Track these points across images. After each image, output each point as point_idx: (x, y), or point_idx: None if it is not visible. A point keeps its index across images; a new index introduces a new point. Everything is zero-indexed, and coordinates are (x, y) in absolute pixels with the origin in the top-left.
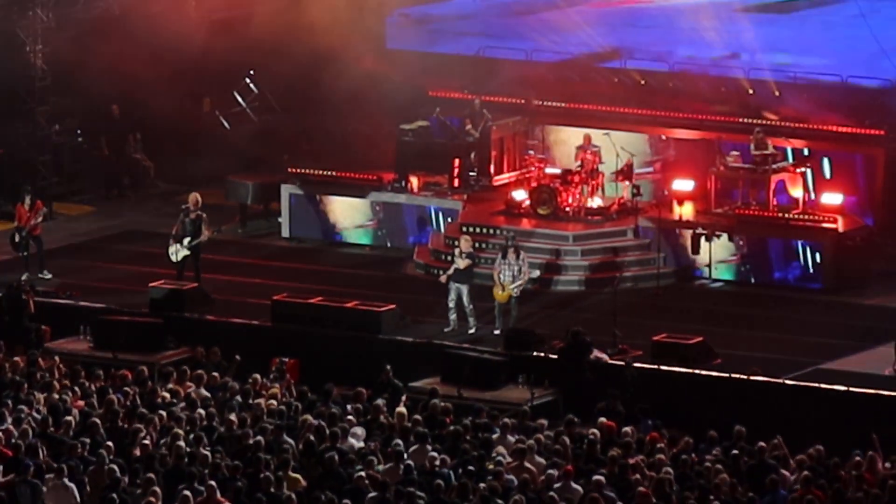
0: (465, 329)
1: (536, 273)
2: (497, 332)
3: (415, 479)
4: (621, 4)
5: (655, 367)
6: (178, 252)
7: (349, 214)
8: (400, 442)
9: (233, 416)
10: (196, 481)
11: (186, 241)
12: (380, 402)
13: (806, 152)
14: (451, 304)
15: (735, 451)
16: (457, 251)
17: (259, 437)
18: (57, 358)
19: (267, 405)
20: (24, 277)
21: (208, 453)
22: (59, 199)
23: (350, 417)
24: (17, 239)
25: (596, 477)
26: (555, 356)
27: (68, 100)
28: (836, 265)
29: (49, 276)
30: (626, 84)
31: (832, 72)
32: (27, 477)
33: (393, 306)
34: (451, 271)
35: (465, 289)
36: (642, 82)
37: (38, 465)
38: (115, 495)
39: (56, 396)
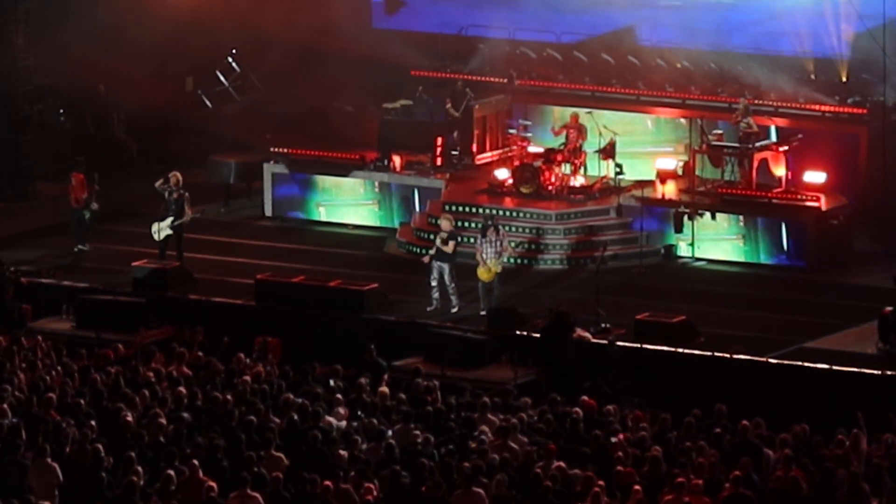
0: (448, 308)
1: (515, 245)
2: (483, 312)
3: (397, 458)
4: None
5: (638, 345)
6: (160, 231)
7: (342, 193)
8: (383, 421)
9: (217, 395)
10: (179, 460)
11: (169, 220)
12: (363, 381)
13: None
14: (434, 283)
15: (717, 430)
16: (439, 237)
17: (243, 416)
18: (39, 337)
19: (250, 385)
20: (79, 248)
21: (192, 432)
22: (41, 179)
23: (339, 396)
24: (95, 206)
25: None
26: (538, 335)
27: (50, 79)
28: (818, 244)
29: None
30: (610, 63)
31: (816, 49)
32: (15, 457)
33: (375, 285)
34: (433, 251)
35: (447, 267)
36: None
37: (25, 444)
38: (98, 474)
39: (39, 376)
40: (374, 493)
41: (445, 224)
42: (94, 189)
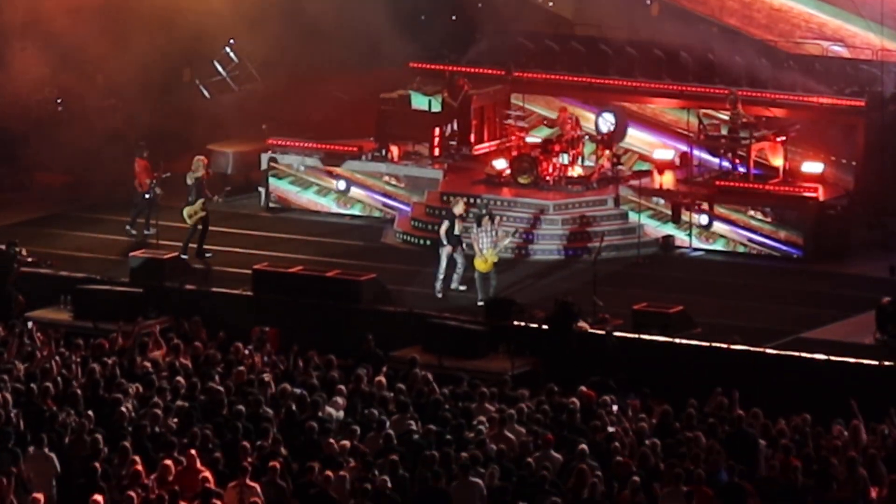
0: (453, 288)
1: (511, 233)
2: (481, 302)
3: (395, 448)
4: None
5: (636, 335)
6: (195, 215)
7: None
8: (381, 411)
9: (214, 385)
10: (176, 450)
11: (200, 202)
12: (361, 371)
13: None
14: (441, 275)
15: (711, 420)
16: (458, 221)
17: (240, 407)
18: (32, 325)
19: (247, 375)
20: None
21: (189, 422)
22: (39, 169)
23: (340, 386)
24: (159, 191)
25: (581, 446)
26: (535, 325)
27: (48, 69)
28: (816, 234)
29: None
30: (607, 53)
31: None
32: (7, 445)
33: (373, 276)
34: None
35: (459, 249)
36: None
37: (19, 434)
38: (95, 464)
39: (36, 366)
40: (388, 483)
41: (460, 208)
42: (158, 175)
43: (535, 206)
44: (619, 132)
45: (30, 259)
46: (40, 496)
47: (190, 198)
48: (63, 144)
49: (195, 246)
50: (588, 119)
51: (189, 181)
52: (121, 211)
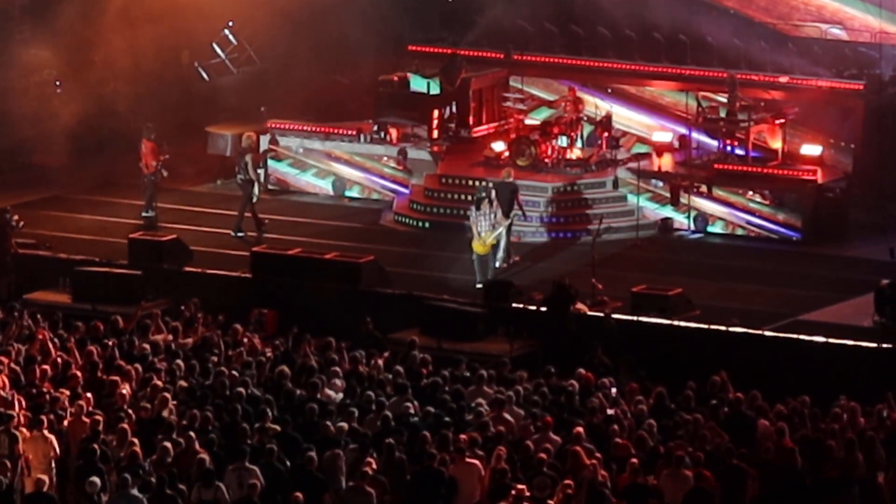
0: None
1: (510, 219)
2: (479, 285)
3: (393, 429)
4: None
5: (635, 318)
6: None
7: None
8: (379, 393)
9: (213, 368)
10: (175, 432)
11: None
12: (358, 353)
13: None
14: (501, 251)
15: (714, 402)
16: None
17: (239, 389)
18: (27, 311)
19: (246, 357)
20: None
21: (187, 404)
22: (37, 151)
23: (335, 368)
24: (165, 173)
25: (576, 429)
26: (534, 307)
27: (47, 51)
28: (815, 216)
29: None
30: (606, 36)
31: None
32: (9, 426)
33: (372, 258)
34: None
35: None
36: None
37: (19, 416)
38: (94, 446)
39: (35, 348)
40: (374, 465)
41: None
42: (163, 157)
43: (533, 188)
44: None
45: (22, 224)
46: (44, 477)
47: (242, 175)
48: (62, 127)
49: (251, 217)
50: (587, 102)
51: (247, 158)
52: (119, 193)
